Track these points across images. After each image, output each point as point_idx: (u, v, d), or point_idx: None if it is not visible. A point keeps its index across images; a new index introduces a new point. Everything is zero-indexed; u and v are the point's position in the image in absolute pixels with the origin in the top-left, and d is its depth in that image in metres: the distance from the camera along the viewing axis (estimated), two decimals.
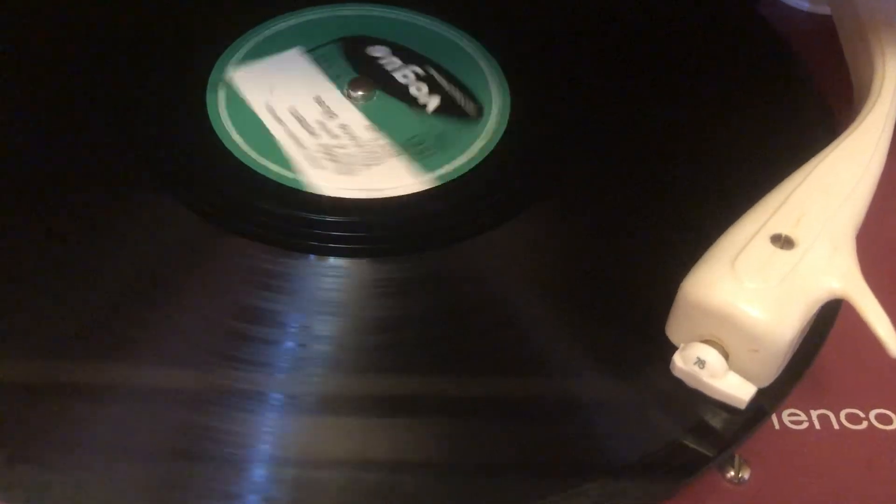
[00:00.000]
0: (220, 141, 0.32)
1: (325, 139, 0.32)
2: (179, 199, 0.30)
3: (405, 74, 0.35)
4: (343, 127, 0.33)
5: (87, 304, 0.27)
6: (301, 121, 0.33)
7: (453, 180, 0.31)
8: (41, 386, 0.26)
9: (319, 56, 0.35)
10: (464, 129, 0.33)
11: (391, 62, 0.35)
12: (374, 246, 0.30)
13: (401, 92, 0.34)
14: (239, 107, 0.33)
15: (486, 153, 0.32)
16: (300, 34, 0.36)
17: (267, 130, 0.33)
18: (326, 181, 0.31)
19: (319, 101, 0.34)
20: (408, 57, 0.35)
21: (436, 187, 0.31)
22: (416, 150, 0.32)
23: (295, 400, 0.26)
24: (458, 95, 0.34)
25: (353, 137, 0.33)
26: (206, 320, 0.27)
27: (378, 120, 0.33)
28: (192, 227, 0.29)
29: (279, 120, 0.33)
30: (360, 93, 0.34)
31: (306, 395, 0.26)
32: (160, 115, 0.33)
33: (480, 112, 0.33)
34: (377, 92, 0.34)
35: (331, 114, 0.33)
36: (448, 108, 0.34)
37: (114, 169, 0.31)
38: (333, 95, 0.34)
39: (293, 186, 0.31)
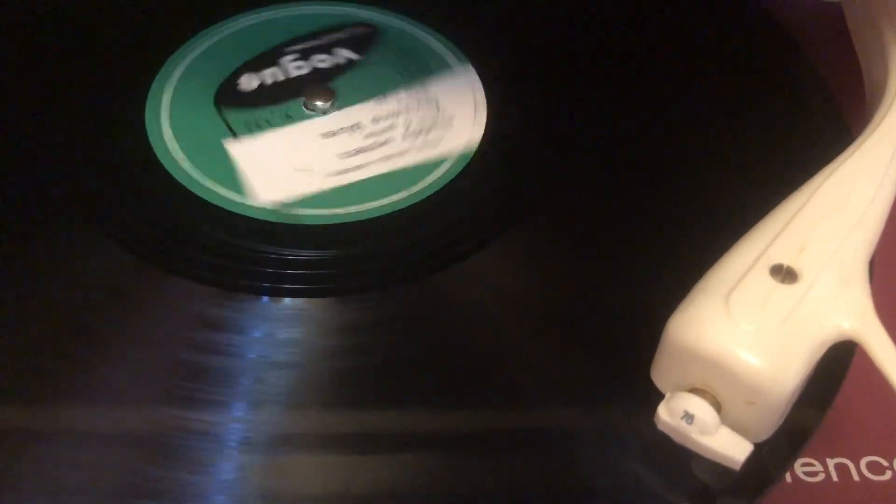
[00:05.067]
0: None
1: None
2: (109, 233, 0.28)
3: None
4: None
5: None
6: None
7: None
8: None
9: None
10: None
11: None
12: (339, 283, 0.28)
13: None
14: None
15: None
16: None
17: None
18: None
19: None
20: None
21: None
22: None
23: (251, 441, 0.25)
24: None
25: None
26: (145, 368, 0.26)
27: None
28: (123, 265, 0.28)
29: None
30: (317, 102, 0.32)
31: (263, 435, 0.25)
32: (88, 126, 0.31)
33: None
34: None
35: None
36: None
37: (32, 196, 0.29)
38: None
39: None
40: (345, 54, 0.33)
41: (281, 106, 0.31)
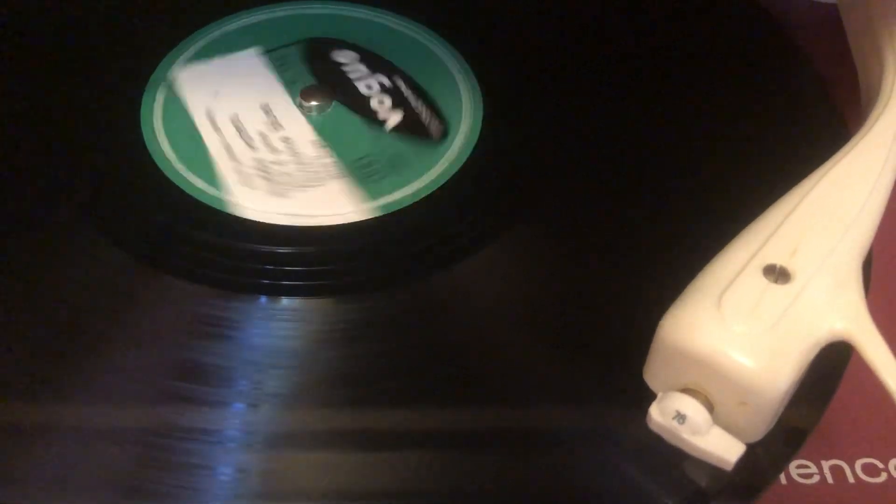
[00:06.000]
0: (148, 154, 0.30)
1: (263, 153, 0.30)
2: (104, 233, 0.28)
3: (369, 84, 0.32)
4: (286, 140, 0.30)
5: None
6: (241, 131, 0.31)
7: (396, 211, 0.29)
8: None
9: (277, 58, 0.33)
10: (424, 151, 0.30)
11: (356, 70, 0.33)
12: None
13: (360, 105, 0.31)
14: (176, 113, 0.31)
15: (442, 181, 0.30)
16: (260, 33, 0.34)
17: (200, 140, 0.30)
18: (253, 203, 0.29)
19: (266, 110, 0.31)
20: (376, 65, 0.33)
21: (377, 218, 0.29)
22: (363, 172, 0.30)
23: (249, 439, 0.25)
24: (423, 113, 0.31)
25: (294, 154, 0.30)
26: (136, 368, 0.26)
27: (328, 135, 0.31)
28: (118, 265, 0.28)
29: (217, 129, 0.31)
30: (313, 103, 0.31)
31: (259, 433, 0.25)
32: (84, 124, 0.31)
33: (445, 133, 0.31)
34: (334, 103, 0.31)
35: (276, 125, 0.31)
36: (410, 127, 0.31)
37: (26, 197, 0.29)
38: (283, 104, 0.31)
39: (214, 206, 0.29)
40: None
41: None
